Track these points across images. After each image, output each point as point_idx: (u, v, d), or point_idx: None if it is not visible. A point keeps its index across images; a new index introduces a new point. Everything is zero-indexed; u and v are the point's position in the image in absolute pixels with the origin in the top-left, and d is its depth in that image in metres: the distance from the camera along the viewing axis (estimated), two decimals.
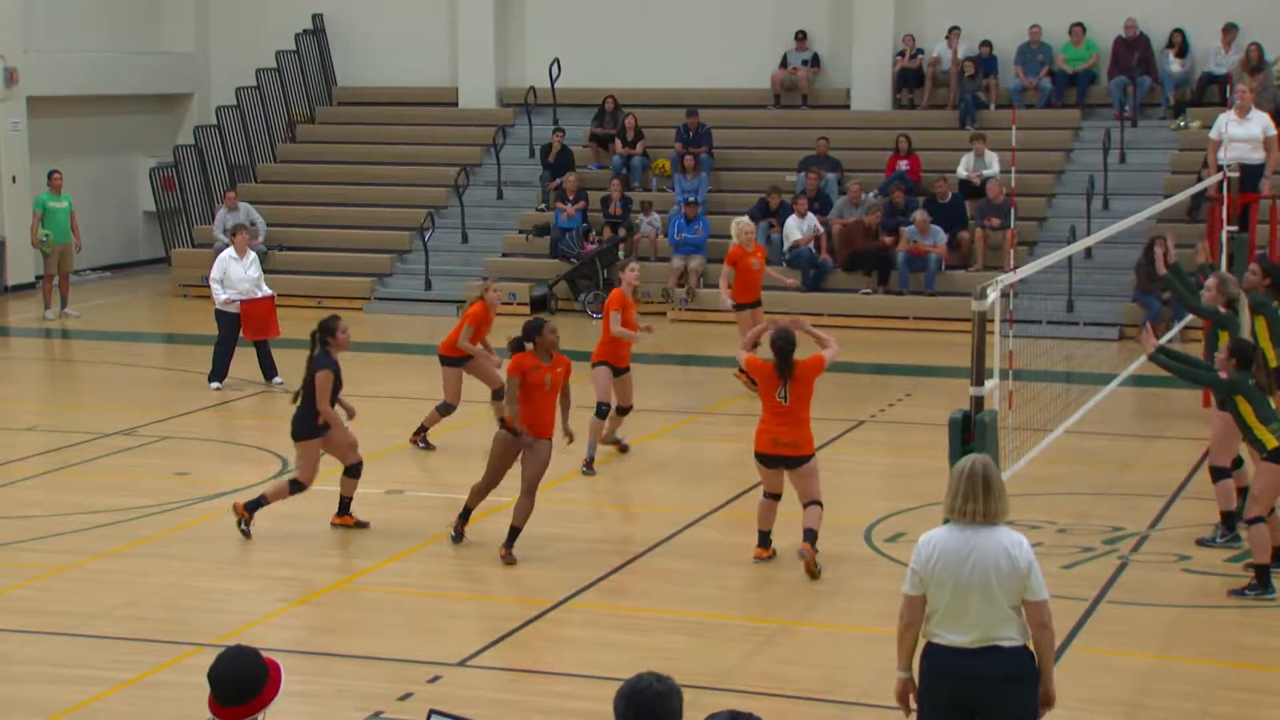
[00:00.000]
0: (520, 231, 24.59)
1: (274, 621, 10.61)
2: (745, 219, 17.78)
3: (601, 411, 14.36)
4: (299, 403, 12.20)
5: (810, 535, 11.34)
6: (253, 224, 23.60)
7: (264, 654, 5.42)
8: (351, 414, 12.50)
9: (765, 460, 11.50)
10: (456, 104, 27.42)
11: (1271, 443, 10.76)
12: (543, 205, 24.81)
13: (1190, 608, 10.88)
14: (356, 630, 10.66)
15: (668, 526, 12.56)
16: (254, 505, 12.28)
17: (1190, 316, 14.44)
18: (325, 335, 12.19)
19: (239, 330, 17.73)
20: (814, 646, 10.39)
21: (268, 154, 27.37)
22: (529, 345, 11.62)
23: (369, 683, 9.59)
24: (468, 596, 11.37)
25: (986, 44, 25.02)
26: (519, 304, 22.44)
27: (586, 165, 25.34)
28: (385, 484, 13.42)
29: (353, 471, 12.42)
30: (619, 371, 14.56)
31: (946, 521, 6.92)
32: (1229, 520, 11.94)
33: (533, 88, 26.55)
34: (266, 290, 18.02)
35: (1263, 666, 10.00)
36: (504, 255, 24.38)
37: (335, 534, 12.45)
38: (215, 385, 17.75)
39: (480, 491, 11.90)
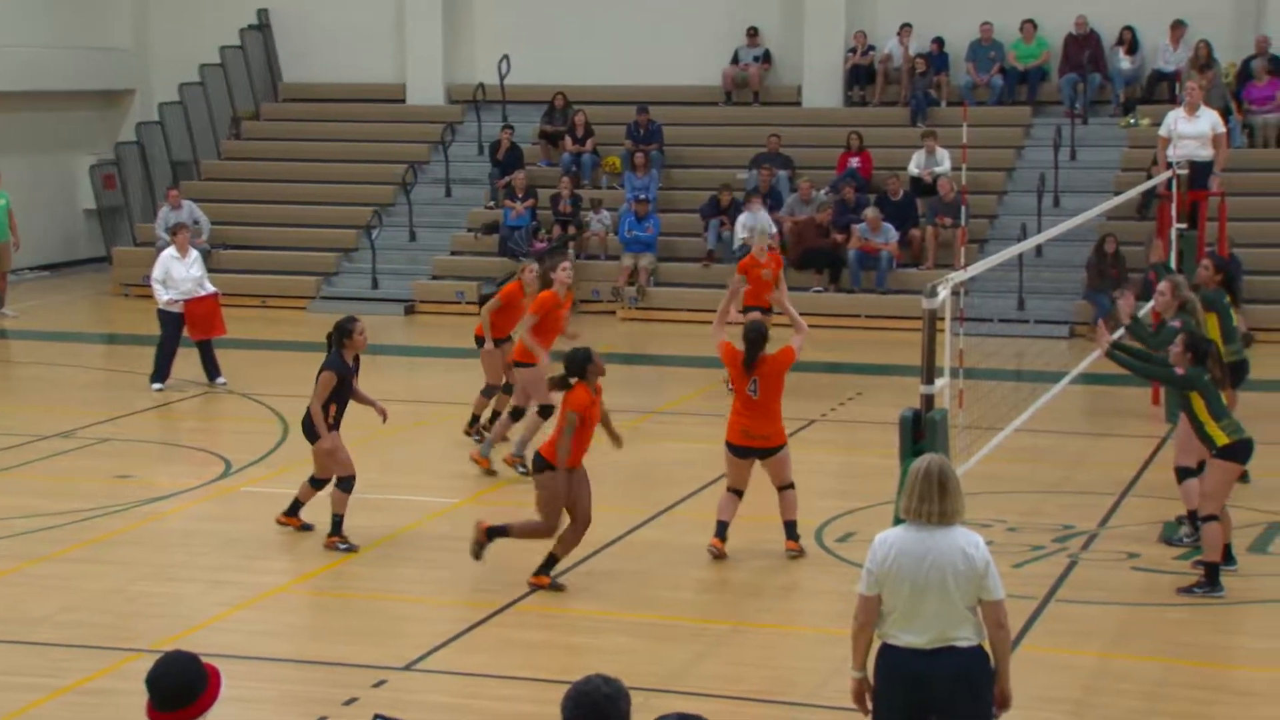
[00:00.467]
0: (469, 230, 24.43)
1: (216, 626, 10.42)
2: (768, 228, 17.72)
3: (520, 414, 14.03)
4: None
5: (791, 529, 11.63)
6: (196, 222, 23.35)
7: (204, 659, 5.33)
8: (384, 417, 12.39)
9: (737, 451, 11.53)
10: (404, 101, 27.25)
11: (1222, 439, 10.72)
12: (491, 203, 24.66)
13: (1140, 606, 10.85)
14: (300, 634, 10.51)
15: (617, 528, 12.43)
16: (336, 525, 11.91)
17: (1144, 310, 14.40)
18: (341, 337, 11.99)
19: (181, 330, 17.50)
20: (764, 647, 10.31)
21: (211, 151, 27.08)
22: (574, 381, 10.80)
23: (313, 687, 9.44)
24: (414, 600, 11.21)
25: (938, 41, 25.04)
26: (467, 303, 22.30)
27: (536, 163, 25.21)
28: (332, 485, 13.20)
29: (318, 484, 12.20)
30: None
31: (899, 521, 6.84)
32: (1195, 519, 11.80)
33: (481, 84, 26.38)
34: (210, 288, 17.78)
35: (1211, 664, 9.99)
36: (452, 254, 24.22)
37: (278, 537, 12.25)
38: (157, 386, 17.50)
39: (570, 540, 10.97)
